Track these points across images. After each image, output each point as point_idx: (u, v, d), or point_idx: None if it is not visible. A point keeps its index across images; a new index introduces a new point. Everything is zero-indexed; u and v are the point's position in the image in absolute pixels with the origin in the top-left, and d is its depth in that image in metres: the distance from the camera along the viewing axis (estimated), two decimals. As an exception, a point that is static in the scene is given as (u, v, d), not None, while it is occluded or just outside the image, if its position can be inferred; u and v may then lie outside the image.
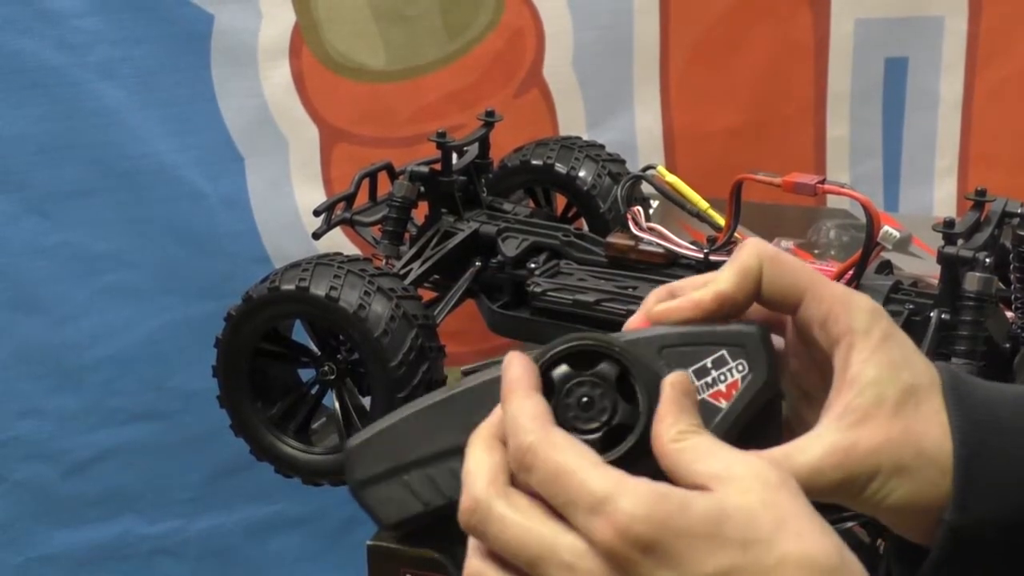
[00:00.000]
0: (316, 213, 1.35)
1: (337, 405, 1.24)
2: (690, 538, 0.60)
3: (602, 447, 0.65)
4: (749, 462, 0.63)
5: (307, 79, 1.71)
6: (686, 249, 1.23)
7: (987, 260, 1.06)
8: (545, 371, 0.67)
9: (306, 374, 1.29)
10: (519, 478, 0.64)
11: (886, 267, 1.19)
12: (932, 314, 1.09)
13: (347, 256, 1.23)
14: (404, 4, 1.73)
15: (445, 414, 0.70)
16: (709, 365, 0.68)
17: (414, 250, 1.33)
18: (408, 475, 0.71)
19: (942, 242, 1.09)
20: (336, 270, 1.19)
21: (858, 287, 1.12)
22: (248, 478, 1.71)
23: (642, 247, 1.25)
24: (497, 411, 0.67)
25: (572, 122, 1.80)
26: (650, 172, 1.29)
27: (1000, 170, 1.83)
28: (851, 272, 1.13)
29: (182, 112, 1.67)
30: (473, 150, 1.41)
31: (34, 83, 1.60)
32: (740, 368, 0.68)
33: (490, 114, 1.42)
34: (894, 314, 1.12)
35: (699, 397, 0.67)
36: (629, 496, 0.60)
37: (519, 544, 0.62)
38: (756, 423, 0.69)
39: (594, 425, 0.66)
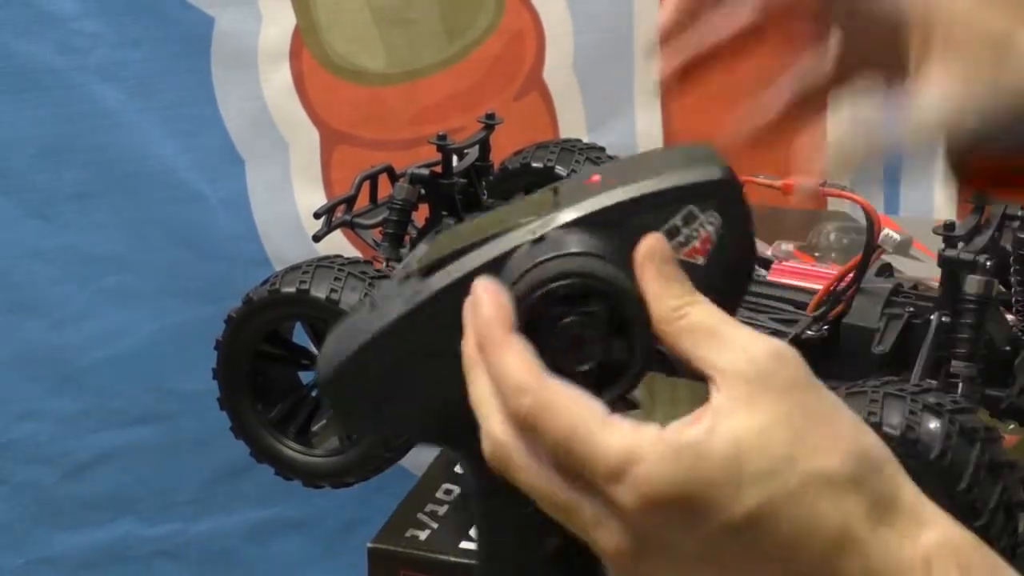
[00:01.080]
0: (317, 216, 1.35)
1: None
2: (715, 487, 0.57)
3: (597, 383, 0.61)
4: (752, 351, 0.59)
5: (307, 81, 1.71)
6: (685, 252, 1.23)
7: (987, 263, 1.06)
8: (520, 302, 0.62)
9: (306, 376, 1.29)
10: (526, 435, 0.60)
11: (886, 270, 1.19)
12: (932, 317, 1.08)
13: (347, 258, 1.23)
14: (404, 7, 1.73)
15: (417, 329, 0.64)
16: (679, 223, 0.63)
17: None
18: (393, 407, 0.66)
19: (942, 245, 1.09)
20: (336, 272, 1.19)
21: (859, 290, 1.13)
22: (248, 481, 1.72)
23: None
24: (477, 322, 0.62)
25: (572, 125, 1.80)
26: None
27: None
28: (852, 275, 1.13)
29: (182, 115, 1.67)
30: (473, 152, 1.40)
31: (34, 85, 1.60)
32: (712, 220, 0.63)
33: (490, 116, 1.42)
34: (894, 317, 1.12)
35: (680, 257, 0.63)
36: (647, 459, 0.58)
37: (545, 499, 0.60)
38: (733, 268, 0.65)
39: (586, 366, 0.62)
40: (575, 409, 0.59)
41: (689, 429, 0.59)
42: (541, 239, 0.63)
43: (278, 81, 1.70)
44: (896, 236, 1.10)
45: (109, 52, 1.62)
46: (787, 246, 1.55)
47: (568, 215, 0.63)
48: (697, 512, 0.58)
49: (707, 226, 0.63)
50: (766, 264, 1.25)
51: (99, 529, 1.77)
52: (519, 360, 0.60)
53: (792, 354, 0.60)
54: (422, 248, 0.66)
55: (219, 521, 1.82)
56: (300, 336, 1.29)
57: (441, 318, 0.63)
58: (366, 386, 0.66)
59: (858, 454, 0.59)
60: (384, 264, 1.31)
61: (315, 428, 1.28)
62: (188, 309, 1.71)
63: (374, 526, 1.25)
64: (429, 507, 1.28)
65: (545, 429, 0.59)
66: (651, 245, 0.62)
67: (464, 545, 1.22)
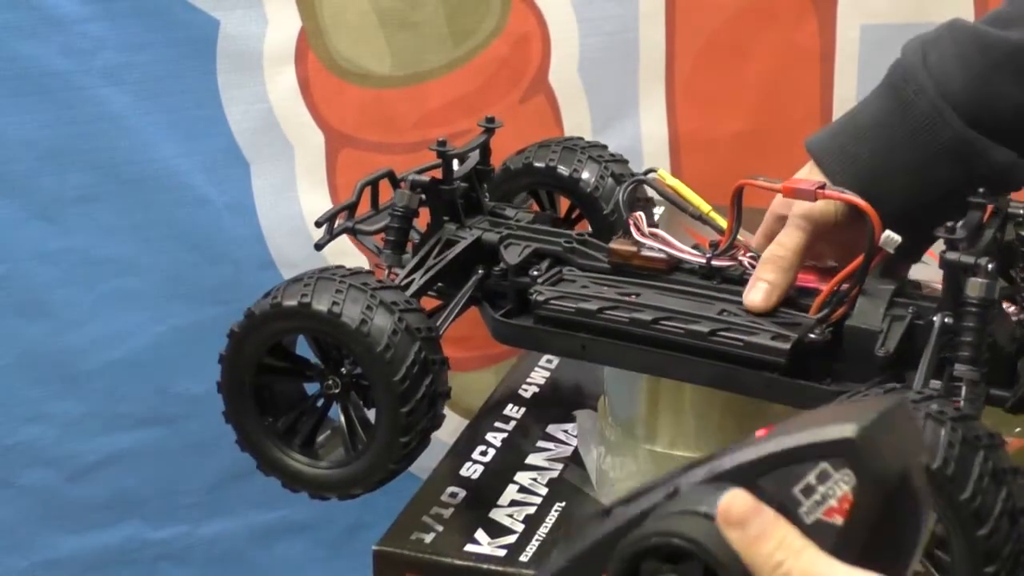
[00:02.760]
0: (318, 224, 1.35)
1: (342, 418, 1.24)
2: None
3: None
4: None
5: (313, 85, 1.71)
6: (688, 254, 1.23)
7: (989, 266, 1.06)
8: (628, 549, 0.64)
9: (310, 388, 1.29)
10: None
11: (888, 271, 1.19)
12: (935, 318, 1.08)
13: (348, 269, 1.23)
14: (409, 10, 1.73)
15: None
16: (813, 481, 0.62)
17: (416, 259, 1.32)
18: None
19: (944, 247, 1.09)
20: (338, 285, 1.19)
21: (860, 291, 1.12)
22: (253, 483, 1.70)
23: (644, 253, 1.24)
24: None
25: (577, 128, 1.80)
26: (651, 176, 1.29)
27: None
28: (853, 276, 1.13)
29: (187, 118, 1.67)
30: (474, 157, 1.40)
31: (39, 88, 1.60)
32: (847, 479, 0.61)
33: (490, 120, 1.42)
34: (897, 319, 1.12)
35: (813, 518, 0.62)
36: None
37: None
38: (886, 522, 0.63)
39: None
40: None
41: None
42: (675, 493, 0.65)
43: (283, 84, 1.70)
44: (897, 238, 1.10)
45: (114, 55, 1.62)
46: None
47: (703, 472, 0.64)
48: None
49: (843, 485, 0.62)
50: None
51: (104, 532, 1.77)
52: None
53: None
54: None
55: (224, 524, 1.82)
56: (303, 347, 1.29)
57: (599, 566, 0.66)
58: None
59: None
60: (386, 272, 1.31)
61: (320, 439, 1.28)
62: (193, 312, 1.72)
63: (379, 529, 1.25)
64: (434, 510, 1.28)
65: None
66: (728, 505, 0.62)
67: (469, 548, 1.22)
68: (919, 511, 0.65)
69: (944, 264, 1.07)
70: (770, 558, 0.61)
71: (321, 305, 1.18)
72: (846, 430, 0.61)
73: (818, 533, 0.62)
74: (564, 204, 1.51)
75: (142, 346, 1.72)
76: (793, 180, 1.18)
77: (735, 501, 0.62)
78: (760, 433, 0.65)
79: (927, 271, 1.22)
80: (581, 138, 1.48)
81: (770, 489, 0.62)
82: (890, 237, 1.09)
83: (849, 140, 1.20)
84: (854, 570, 0.60)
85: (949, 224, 1.08)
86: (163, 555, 1.81)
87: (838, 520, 0.62)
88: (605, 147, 1.47)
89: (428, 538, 1.24)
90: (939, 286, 1.10)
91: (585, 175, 1.43)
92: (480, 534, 1.24)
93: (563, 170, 1.44)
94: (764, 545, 0.61)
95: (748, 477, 0.63)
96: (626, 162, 1.46)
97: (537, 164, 1.45)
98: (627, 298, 1.21)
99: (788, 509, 0.62)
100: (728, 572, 0.61)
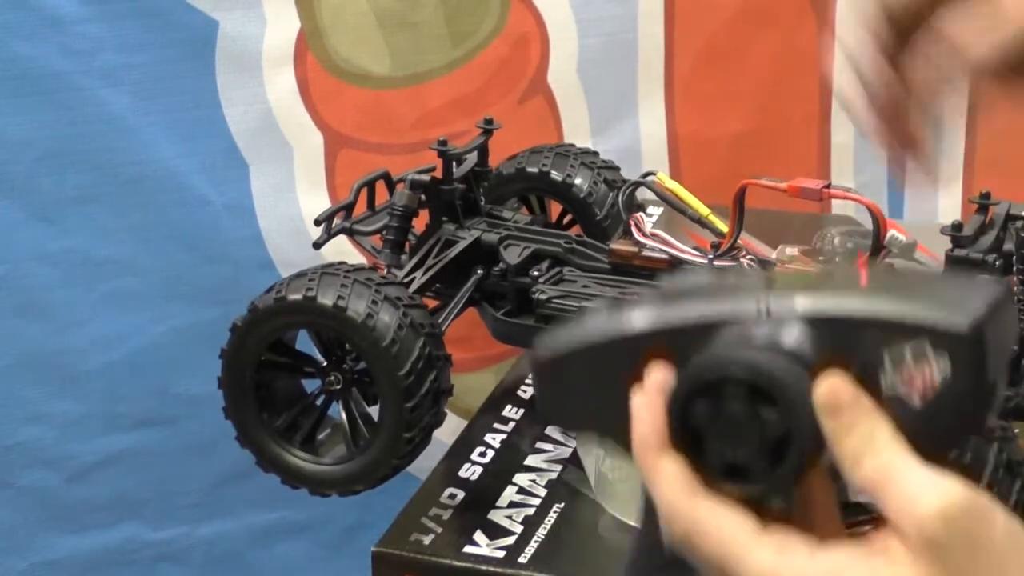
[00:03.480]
0: (317, 223, 1.35)
1: (344, 415, 1.24)
2: None
3: (767, 465, 0.61)
4: (921, 511, 0.58)
5: (312, 85, 1.71)
6: (689, 254, 1.23)
7: (996, 263, 1.06)
8: (680, 410, 0.62)
9: (311, 384, 1.29)
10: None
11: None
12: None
13: (352, 265, 1.23)
14: (408, 10, 1.73)
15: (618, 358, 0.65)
16: (907, 355, 0.60)
17: (416, 259, 1.33)
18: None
19: (949, 246, 1.09)
20: (343, 279, 1.19)
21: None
22: (253, 484, 1.71)
23: (645, 253, 1.25)
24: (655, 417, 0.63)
25: (576, 129, 1.80)
26: (650, 178, 1.29)
27: (1005, 177, 1.83)
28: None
29: (186, 118, 1.67)
30: (472, 158, 1.41)
31: (38, 89, 1.60)
32: (942, 367, 0.60)
33: (488, 121, 1.42)
34: None
35: (893, 390, 0.60)
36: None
37: None
38: (951, 424, 0.62)
39: (747, 451, 0.61)
40: (725, 531, 0.61)
41: (836, 554, 0.60)
42: (767, 316, 0.62)
43: (282, 85, 1.70)
44: (902, 238, 1.10)
45: (113, 56, 1.62)
46: (791, 250, 1.55)
47: (806, 304, 0.62)
48: None
49: (936, 371, 0.60)
50: (768, 266, 1.25)
51: (103, 532, 1.77)
52: (669, 483, 0.62)
53: (963, 513, 0.58)
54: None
55: (224, 524, 1.82)
56: (303, 344, 1.29)
57: (640, 356, 0.64)
58: (567, 385, 0.68)
59: None
60: (385, 271, 1.31)
61: (321, 436, 1.28)
62: (192, 313, 1.71)
63: (378, 530, 1.25)
64: (433, 511, 1.28)
65: (699, 550, 0.62)
66: (829, 391, 0.61)
67: (468, 549, 1.22)
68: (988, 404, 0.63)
69: (951, 261, 1.08)
70: (853, 449, 0.60)
71: (326, 299, 1.18)
72: (959, 323, 0.59)
73: (893, 406, 0.61)
74: (555, 210, 1.51)
75: (141, 347, 1.72)
76: (799, 179, 1.18)
77: (838, 390, 0.60)
78: (863, 276, 0.64)
79: (928, 272, 1.22)
80: (573, 144, 1.49)
81: (863, 343, 0.61)
82: (895, 237, 1.09)
83: None
84: (926, 471, 0.59)
85: (955, 222, 1.08)
86: (162, 556, 1.81)
87: (916, 403, 0.60)
88: (597, 153, 1.48)
89: (427, 539, 1.24)
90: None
91: (578, 181, 1.44)
92: (479, 535, 1.24)
93: (556, 175, 1.44)
94: (851, 435, 0.60)
95: (850, 330, 0.61)
96: (618, 168, 1.47)
97: (530, 169, 1.46)
98: (628, 298, 1.21)
99: (870, 371, 0.61)
100: (800, 440, 0.60)
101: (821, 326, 0.61)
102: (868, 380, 0.61)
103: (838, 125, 1.86)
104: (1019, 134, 1.84)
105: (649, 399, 0.63)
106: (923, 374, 0.60)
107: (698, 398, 0.61)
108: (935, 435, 0.61)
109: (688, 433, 0.62)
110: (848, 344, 0.61)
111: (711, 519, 0.62)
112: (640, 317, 0.66)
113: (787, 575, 0.60)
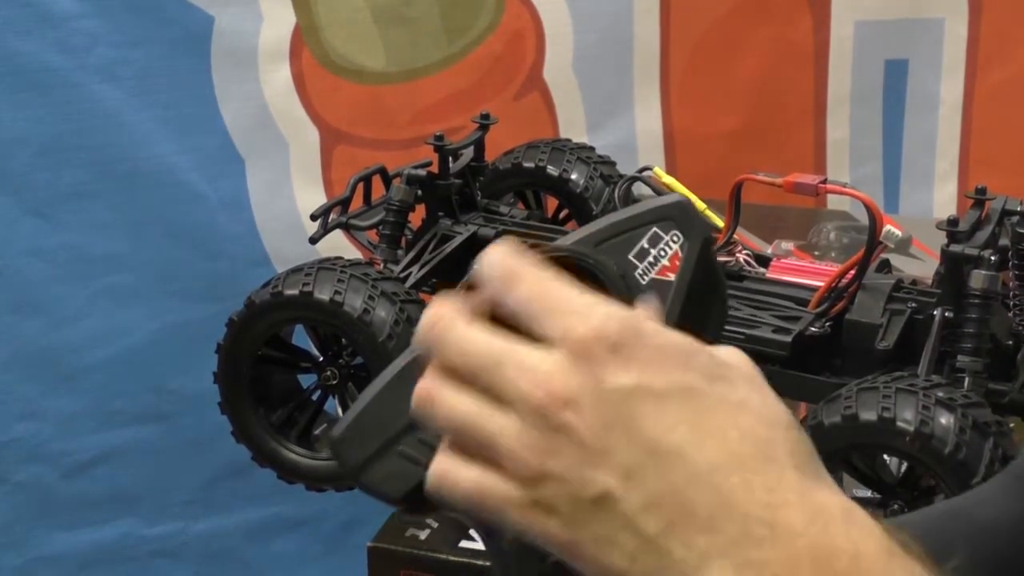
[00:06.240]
0: (313, 218, 1.35)
1: (340, 410, 1.24)
2: (659, 352, 0.60)
3: None
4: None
5: (307, 81, 1.71)
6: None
7: (992, 258, 1.06)
8: None
9: (306, 380, 1.29)
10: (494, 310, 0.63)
11: (885, 266, 1.19)
12: (936, 312, 1.08)
13: (349, 260, 1.23)
14: (404, 6, 1.73)
15: (415, 376, 0.68)
16: (646, 245, 0.68)
17: (413, 253, 1.32)
18: (400, 445, 0.70)
19: (945, 241, 1.09)
20: (339, 274, 1.19)
21: (860, 286, 1.12)
22: (248, 480, 1.71)
23: (642, 248, 1.24)
24: None
25: (572, 124, 1.80)
26: (646, 173, 1.29)
27: (1000, 172, 1.83)
28: (854, 271, 1.13)
29: (182, 114, 1.67)
30: (468, 153, 1.40)
31: (34, 85, 1.60)
32: (675, 239, 0.68)
33: (485, 117, 1.42)
34: (897, 313, 1.12)
35: (649, 276, 0.67)
36: (611, 307, 0.61)
37: (478, 350, 0.62)
38: (703, 280, 0.69)
39: None
40: (560, 280, 0.62)
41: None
42: None
43: (278, 80, 1.70)
44: (898, 233, 1.10)
45: (109, 51, 1.62)
46: (787, 244, 1.55)
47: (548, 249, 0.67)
48: (634, 363, 0.60)
49: (672, 245, 0.68)
50: (765, 262, 1.25)
51: (99, 529, 1.77)
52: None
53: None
54: None
55: (219, 521, 1.82)
56: (299, 339, 1.28)
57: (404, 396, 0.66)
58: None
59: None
60: (382, 266, 1.31)
61: (317, 431, 1.28)
62: (188, 308, 1.71)
63: (374, 525, 1.25)
64: (429, 506, 1.27)
65: (526, 282, 0.62)
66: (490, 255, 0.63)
67: (464, 544, 1.22)
68: (719, 285, 0.72)
69: (947, 256, 1.08)
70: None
71: (323, 294, 1.18)
72: (671, 197, 0.70)
73: (655, 290, 0.67)
74: (551, 204, 1.51)
75: (136, 343, 1.72)
76: (795, 175, 1.18)
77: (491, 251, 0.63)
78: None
79: (923, 268, 1.22)
80: (569, 139, 1.48)
81: (608, 258, 0.67)
82: (891, 232, 1.09)
83: None
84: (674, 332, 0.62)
85: (951, 217, 1.08)
86: (158, 552, 1.80)
87: (670, 276, 0.68)
88: (593, 149, 1.48)
89: (423, 534, 1.23)
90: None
91: (575, 176, 1.44)
92: (474, 531, 1.24)
93: (552, 170, 1.44)
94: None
95: (586, 246, 0.67)
96: (614, 163, 1.47)
97: (527, 164, 1.45)
98: None
99: (626, 273, 0.68)
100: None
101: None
102: (627, 282, 0.68)
103: (834, 121, 1.86)
104: (1016, 132, 1.84)
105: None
106: (666, 252, 0.68)
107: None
108: (699, 302, 0.69)
109: None
110: (594, 263, 0.67)
111: (551, 275, 0.62)
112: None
113: (609, 307, 0.60)
